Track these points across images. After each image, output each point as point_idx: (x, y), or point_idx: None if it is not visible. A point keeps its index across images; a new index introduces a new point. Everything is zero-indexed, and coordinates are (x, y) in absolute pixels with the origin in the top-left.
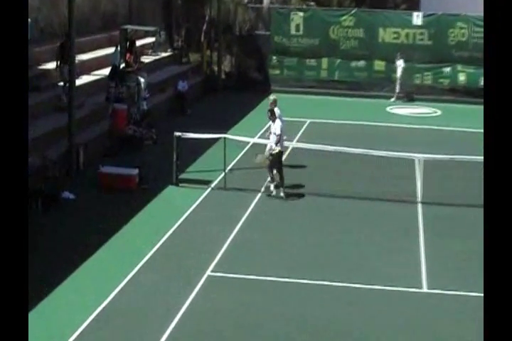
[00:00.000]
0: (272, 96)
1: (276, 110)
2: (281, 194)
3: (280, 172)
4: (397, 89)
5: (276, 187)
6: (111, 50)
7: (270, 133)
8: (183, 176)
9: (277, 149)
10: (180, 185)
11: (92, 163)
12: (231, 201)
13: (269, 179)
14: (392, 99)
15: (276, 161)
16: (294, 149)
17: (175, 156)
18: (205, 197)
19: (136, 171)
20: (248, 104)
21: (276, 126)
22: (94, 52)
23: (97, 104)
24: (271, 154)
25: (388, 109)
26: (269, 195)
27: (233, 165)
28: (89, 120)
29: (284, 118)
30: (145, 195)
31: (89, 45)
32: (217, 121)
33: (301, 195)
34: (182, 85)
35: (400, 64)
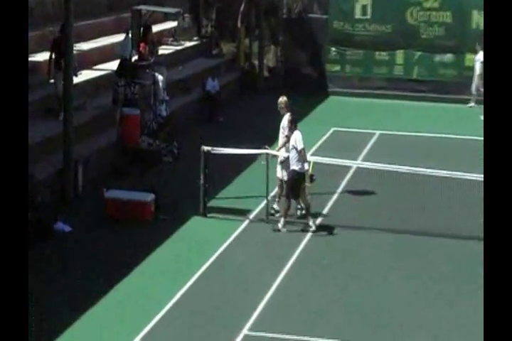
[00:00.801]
0: (282, 98)
1: (287, 116)
2: (279, 225)
3: (296, 198)
4: (480, 90)
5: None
6: (119, 37)
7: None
8: (212, 204)
9: (308, 166)
10: (209, 215)
11: (95, 185)
12: (276, 237)
13: (299, 210)
14: (472, 104)
15: (295, 184)
16: (357, 170)
17: (202, 178)
18: (242, 231)
19: (151, 196)
20: (298, 110)
21: (297, 139)
22: (97, 40)
23: (100, 108)
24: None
25: (483, 117)
26: (308, 230)
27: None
28: (91, 128)
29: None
30: (163, 229)
31: (91, 32)
32: (257, 132)
33: (364, 231)
34: (212, 85)
35: (479, 58)
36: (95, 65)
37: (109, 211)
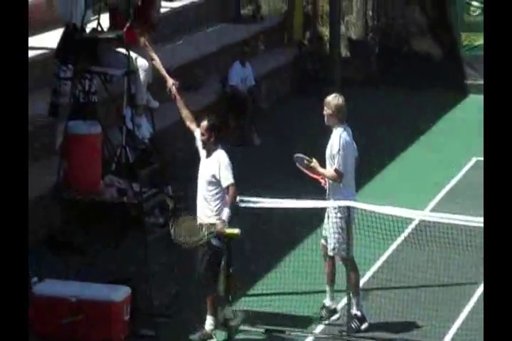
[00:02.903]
0: (334, 98)
1: (338, 132)
2: (207, 329)
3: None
4: None
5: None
6: None
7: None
8: (242, 305)
9: (222, 226)
10: (234, 328)
11: None
12: None
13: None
14: None
15: (216, 255)
16: None
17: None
18: None
19: (125, 292)
20: (408, 123)
21: (222, 164)
22: None
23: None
24: (210, 232)
25: None
26: None
27: (371, 279)
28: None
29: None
30: None
31: None
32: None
33: None
34: (242, 75)
35: None
36: None
37: (40, 322)
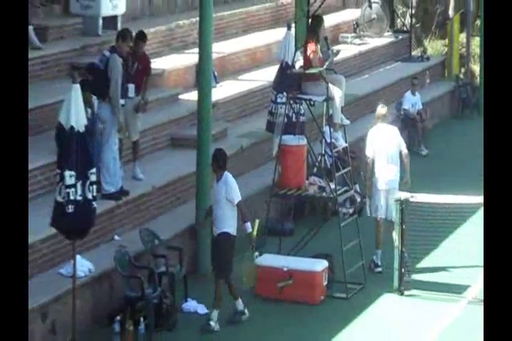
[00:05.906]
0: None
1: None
2: (212, 323)
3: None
4: None
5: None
6: (277, 33)
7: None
8: (415, 276)
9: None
10: (407, 293)
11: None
12: None
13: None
14: None
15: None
16: None
17: (397, 238)
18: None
19: (324, 265)
20: None
21: (231, 186)
22: (245, 37)
23: (248, 137)
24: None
25: None
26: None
27: None
28: (236, 167)
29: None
30: (335, 313)
31: (235, 25)
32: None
33: None
34: (412, 101)
35: None
36: (241, 73)
37: (260, 285)
